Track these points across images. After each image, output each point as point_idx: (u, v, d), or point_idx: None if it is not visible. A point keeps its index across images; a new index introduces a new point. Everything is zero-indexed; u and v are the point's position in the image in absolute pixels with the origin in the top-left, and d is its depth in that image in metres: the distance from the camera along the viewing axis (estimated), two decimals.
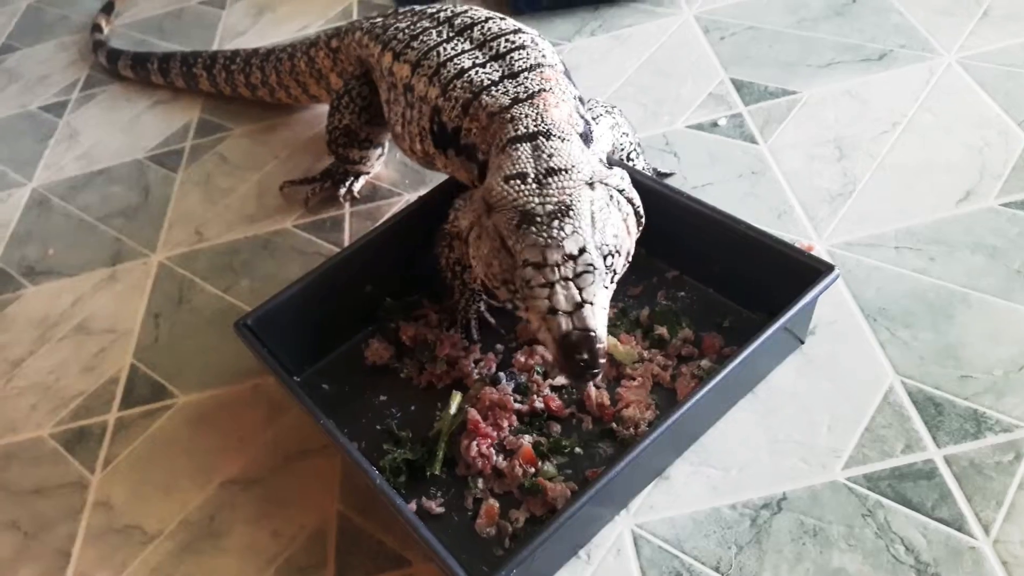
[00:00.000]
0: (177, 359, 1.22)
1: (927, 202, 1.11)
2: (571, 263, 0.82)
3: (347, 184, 1.37)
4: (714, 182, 1.22)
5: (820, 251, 1.08)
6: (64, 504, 1.07)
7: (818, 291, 0.90)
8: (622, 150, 1.16)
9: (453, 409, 0.99)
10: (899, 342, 0.96)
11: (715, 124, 1.31)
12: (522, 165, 0.89)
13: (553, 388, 1.00)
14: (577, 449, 0.95)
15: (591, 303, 0.81)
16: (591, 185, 0.88)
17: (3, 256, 1.49)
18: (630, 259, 0.91)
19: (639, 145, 1.19)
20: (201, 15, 2.03)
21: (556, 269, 0.82)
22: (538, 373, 1.02)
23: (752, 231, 0.98)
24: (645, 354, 1.01)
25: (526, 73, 1.02)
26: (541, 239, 0.83)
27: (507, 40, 1.08)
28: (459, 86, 1.04)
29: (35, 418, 1.20)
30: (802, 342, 0.99)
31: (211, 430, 1.11)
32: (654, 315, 1.04)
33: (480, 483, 0.94)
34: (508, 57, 1.05)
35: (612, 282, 0.87)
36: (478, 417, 0.97)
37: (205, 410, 1.14)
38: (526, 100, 0.98)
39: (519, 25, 1.13)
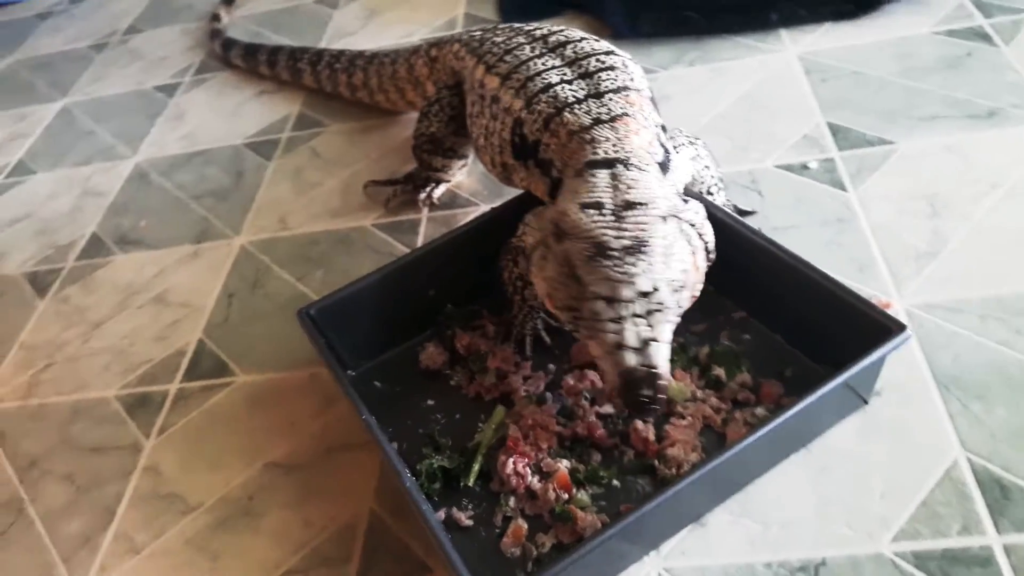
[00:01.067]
0: (243, 339, 1.25)
1: (1021, 271, 1.04)
2: (642, 300, 0.82)
3: (428, 190, 1.39)
4: (797, 226, 1.18)
5: (898, 310, 1.03)
6: (117, 465, 1.11)
7: (886, 350, 0.85)
8: (702, 183, 1.14)
9: (495, 423, 0.99)
10: (970, 415, 0.91)
11: (805, 167, 1.27)
12: (599, 194, 0.89)
13: (599, 416, 0.98)
14: (615, 481, 0.93)
15: (658, 340, 0.81)
16: (664, 219, 0.87)
17: (101, 223, 1.57)
18: (696, 294, 0.90)
19: (721, 180, 1.17)
20: (314, 13, 2.10)
21: (627, 305, 0.81)
22: (586, 399, 1.00)
23: (825, 280, 0.94)
24: (699, 393, 0.99)
25: (612, 95, 1.01)
26: (614, 274, 0.82)
27: (597, 60, 1.07)
28: (544, 100, 1.04)
29: (105, 379, 1.25)
30: (866, 402, 0.94)
31: (264, 412, 1.13)
32: (713, 354, 1.01)
33: (512, 501, 0.93)
34: (596, 77, 1.04)
35: (679, 316, 0.85)
36: (519, 435, 0.96)
37: (262, 392, 1.17)
38: (607, 122, 0.97)
39: (612, 48, 1.12)
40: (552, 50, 1.12)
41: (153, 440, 1.14)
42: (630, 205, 0.87)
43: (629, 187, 0.88)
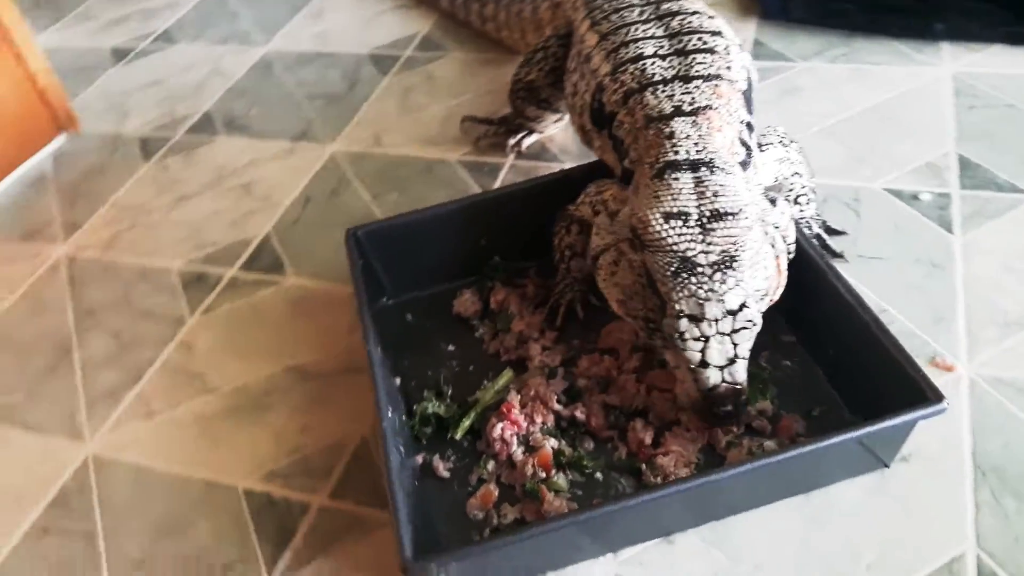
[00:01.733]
0: (305, 244, 1.28)
1: None
2: (730, 318, 0.78)
3: (518, 137, 1.36)
4: (886, 258, 1.08)
5: (962, 376, 0.93)
6: (159, 333, 1.18)
7: (911, 418, 0.77)
8: (790, 190, 1.06)
9: (499, 385, 0.97)
10: (999, 511, 0.81)
11: (916, 196, 1.15)
12: (683, 202, 0.84)
13: (605, 405, 0.95)
14: (598, 474, 0.89)
15: (744, 358, 0.80)
16: (751, 227, 0.82)
17: (217, 103, 1.64)
18: (776, 298, 0.86)
19: (813, 191, 1.08)
20: None
21: (713, 324, 0.78)
22: (597, 384, 0.96)
23: (876, 325, 0.86)
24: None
25: (700, 81, 0.94)
26: (702, 292, 0.79)
27: (699, 39, 1.00)
28: (630, 71, 0.98)
29: (175, 250, 1.32)
30: (887, 465, 0.86)
31: (303, 318, 1.16)
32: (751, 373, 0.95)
33: (491, 466, 0.91)
34: (691, 58, 0.98)
35: (754, 327, 0.82)
36: (515, 403, 0.94)
37: (306, 298, 1.19)
38: (689, 114, 0.91)
39: (722, 28, 1.04)
40: (659, 18, 1.06)
41: (196, 317, 1.19)
42: (718, 216, 0.82)
43: (716, 194, 0.83)
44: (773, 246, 0.85)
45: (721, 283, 0.78)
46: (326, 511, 0.92)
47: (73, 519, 0.97)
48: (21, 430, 1.08)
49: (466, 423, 0.94)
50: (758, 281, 0.81)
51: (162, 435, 1.04)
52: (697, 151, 0.87)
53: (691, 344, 0.79)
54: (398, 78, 1.62)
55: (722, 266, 0.79)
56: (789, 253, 0.89)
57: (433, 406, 0.96)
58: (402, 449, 0.86)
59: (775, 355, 0.98)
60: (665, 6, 1.08)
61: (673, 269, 0.80)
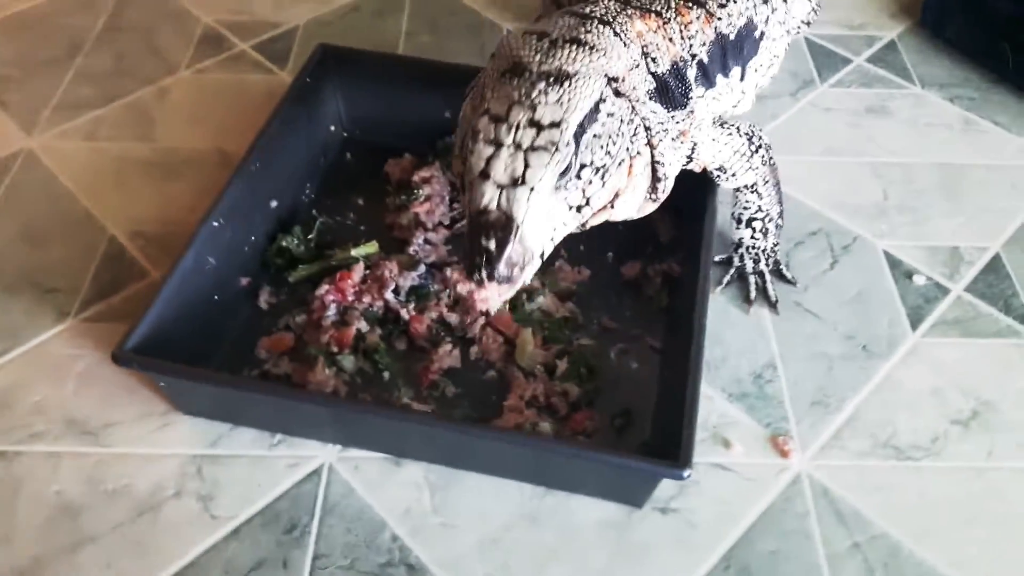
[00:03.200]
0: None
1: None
2: (532, 131, 0.66)
3: None
4: (822, 320, 0.94)
5: (791, 467, 0.83)
6: (151, 71, 1.24)
7: (636, 466, 0.72)
8: (744, 209, 0.94)
9: (356, 252, 0.95)
10: None
11: (910, 275, 1.00)
12: (553, 29, 0.74)
13: (440, 320, 0.91)
14: (386, 373, 0.88)
15: (532, 188, 0.65)
16: (615, 90, 0.71)
17: None
18: (613, 211, 0.75)
19: (774, 220, 0.95)
20: None
21: (513, 131, 0.66)
22: (446, 300, 0.92)
23: (693, 370, 0.76)
24: (538, 370, 0.88)
25: None
26: (516, 93, 0.68)
27: None
28: None
29: (218, 3, 1.35)
30: (637, 506, 0.79)
31: (267, 111, 1.15)
32: (575, 352, 0.88)
33: (301, 319, 0.91)
34: None
35: (577, 210, 0.70)
36: (355, 275, 0.92)
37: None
38: (634, 6, 0.79)
39: None
40: None
41: (187, 73, 1.24)
42: (577, 43, 0.71)
43: (588, 31, 0.73)
44: (634, 139, 0.73)
45: (542, 93, 0.68)
46: (155, 285, 0.95)
47: None
48: None
49: (303, 271, 0.94)
50: (597, 149, 0.69)
51: (89, 158, 1.10)
52: (602, 14, 0.76)
53: (481, 148, 0.67)
54: None
55: (552, 78, 0.68)
56: (657, 179, 0.77)
57: (290, 243, 0.96)
58: (213, 259, 0.87)
59: (628, 355, 0.90)
60: None
61: (502, 71, 0.71)
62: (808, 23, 1.19)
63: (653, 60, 0.78)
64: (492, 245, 0.65)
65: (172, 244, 0.99)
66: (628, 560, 0.76)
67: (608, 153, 0.70)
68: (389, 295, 0.91)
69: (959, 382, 0.90)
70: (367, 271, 0.93)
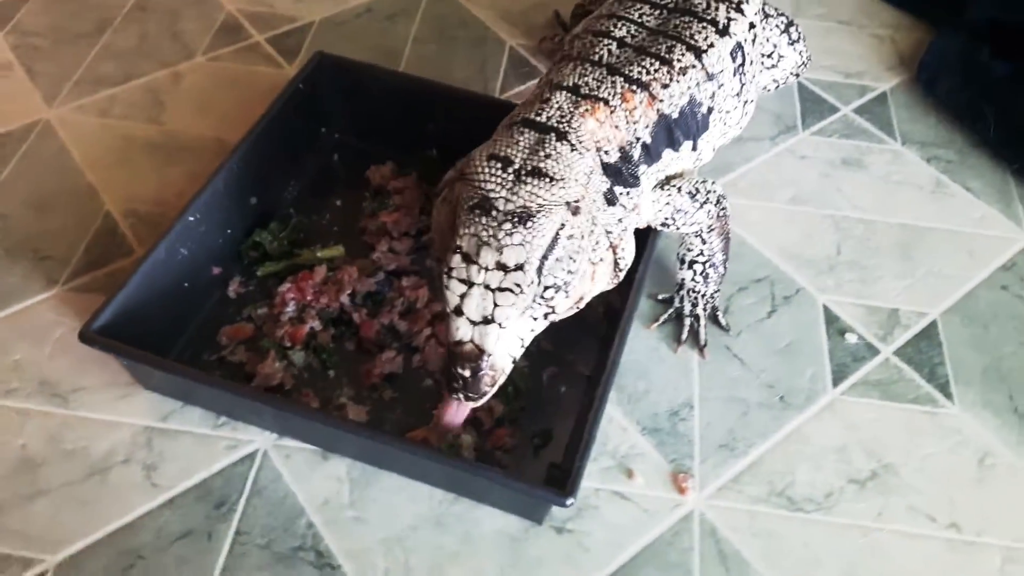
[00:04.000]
0: (332, 47, 1.33)
1: None
2: (500, 273, 0.75)
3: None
4: (747, 366, 1.00)
5: (686, 503, 0.89)
6: (168, 54, 1.32)
7: (521, 490, 0.78)
8: (688, 251, 0.99)
9: (322, 253, 1.03)
10: None
11: (843, 332, 1.04)
12: (513, 151, 0.81)
13: (391, 327, 0.98)
14: (331, 371, 0.95)
15: (500, 325, 0.75)
16: (574, 210, 0.79)
17: None
18: (580, 306, 0.84)
19: (716, 268, 1.00)
20: None
21: (482, 272, 0.75)
22: (400, 309, 0.99)
23: (598, 402, 0.83)
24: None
25: (621, 80, 0.88)
26: (485, 234, 0.76)
27: (670, 46, 0.92)
28: (587, 39, 0.94)
29: None
30: (537, 522, 0.86)
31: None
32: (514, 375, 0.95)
33: (262, 311, 0.99)
34: (640, 57, 0.91)
35: (544, 317, 0.80)
36: (317, 276, 0.99)
37: None
38: (582, 96, 0.86)
39: (709, 47, 0.94)
40: (669, 8, 0.98)
41: (202, 59, 1.31)
42: (537, 173, 0.78)
43: (548, 156, 0.80)
44: (596, 248, 0.81)
45: (507, 234, 0.75)
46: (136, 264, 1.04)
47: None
48: None
49: (270, 267, 1.02)
50: (559, 269, 0.77)
51: (100, 134, 1.19)
52: (558, 120, 0.83)
53: (455, 286, 0.75)
54: None
55: (515, 218, 0.76)
56: (619, 269, 0.85)
57: (264, 238, 1.03)
58: (185, 250, 0.95)
59: (559, 379, 0.97)
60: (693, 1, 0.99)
61: (471, 204, 0.78)
62: (797, 74, 1.23)
63: (606, 152, 0.84)
64: (467, 373, 0.75)
65: (160, 225, 1.07)
66: (518, 572, 0.83)
67: (570, 272, 0.78)
68: (345, 298, 0.99)
69: (866, 442, 0.94)
70: (330, 273, 1.00)
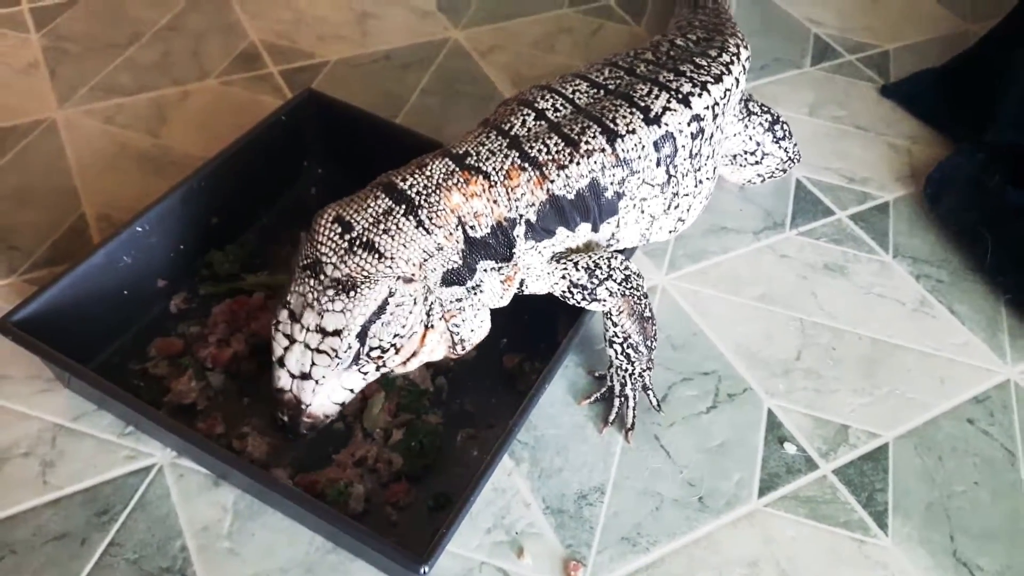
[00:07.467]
0: (344, 88, 1.37)
1: None
2: (319, 336, 0.77)
3: None
4: (672, 458, 0.96)
5: None
6: (185, 73, 1.37)
7: (380, 558, 0.74)
8: (614, 338, 0.96)
9: (267, 280, 1.04)
10: None
11: (782, 442, 0.99)
12: (359, 217, 0.81)
13: None
14: (245, 399, 0.95)
15: (317, 382, 0.79)
16: (407, 280, 0.79)
17: None
18: (414, 364, 0.85)
19: (639, 350, 0.96)
20: None
21: (303, 332, 0.78)
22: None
23: (483, 473, 0.80)
24: (378, 433, 0.93)
25: (517, 155, 0.88)
26: (310, 296, 0.78)
27: (594, 129, 0.91)
28: (509, 108, 0.94)
29: (268, 24, 1.48)
30: None
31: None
32: (419, 426, 0.93)
33: (193, 328, 1.00)
34: (554, 135, 0.90)
35: (376, 370, 0.82)
36: (250, 302, 1.01)
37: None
38: (464, 167, 0.86)
39: (660, 133, 0.94)
40: (656, 62, 1.00)
41: (216, 81, 1.36)
42: (370, 247, 0.79)
43: (387, 232, 0.80)
44: (429, 315, 0.82)
45: (329, 300, 0.77)
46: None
47: None
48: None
49: (211, 288, 1.03)
50: (386, 332, 0.78)
51: (98, 139, 1.24)
52: (418, 191, 0.83)
53: (280, 339, 0.79)
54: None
55: (340, 287, 0.77)
56: (457, 340, 0.86)
57: (216, 258, 1.05)
58: (128, 258, 0.97)
59: (474, 441, 0.95)
60: (682, 43, 0.99)
61: (305, 263, 0.80)
62: (784, 170, 1.20)
63: (471, 227, 0.84)
64: (287, 419, 0.80)
65: None
66: None
67: (397, 335, 0.79)
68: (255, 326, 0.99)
69: (781, 561, 0.89)
70: (267, 301, 1.01)
